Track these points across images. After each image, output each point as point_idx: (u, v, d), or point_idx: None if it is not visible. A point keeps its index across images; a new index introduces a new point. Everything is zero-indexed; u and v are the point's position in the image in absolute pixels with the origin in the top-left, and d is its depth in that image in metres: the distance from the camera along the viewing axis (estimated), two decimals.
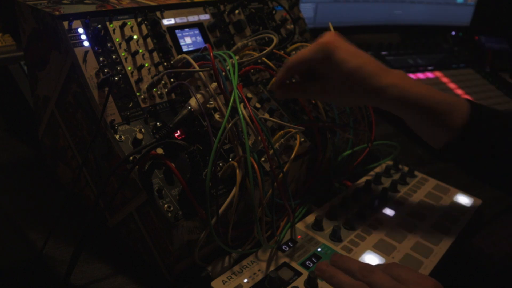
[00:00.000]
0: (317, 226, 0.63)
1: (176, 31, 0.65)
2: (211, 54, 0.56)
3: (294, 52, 0.75)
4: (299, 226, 0.63)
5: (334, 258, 0.53)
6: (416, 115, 0.58)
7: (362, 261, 0.58)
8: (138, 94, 0.58)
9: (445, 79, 1.24)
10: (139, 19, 0.61)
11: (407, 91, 0.56)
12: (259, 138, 0.55)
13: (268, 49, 0.64)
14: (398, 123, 1.04)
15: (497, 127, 0.57)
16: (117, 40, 0.58)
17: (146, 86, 0.59)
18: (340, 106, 0.68)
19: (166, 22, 0.65)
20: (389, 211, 0.69)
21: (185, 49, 0.65)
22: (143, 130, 0.55)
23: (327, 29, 0.74)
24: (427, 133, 0.60)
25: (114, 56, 0.57)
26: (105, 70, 0.56)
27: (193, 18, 0.68)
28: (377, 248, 0.60)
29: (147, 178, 0.51)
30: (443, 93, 0.58)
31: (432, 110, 0.56)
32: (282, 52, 0.72)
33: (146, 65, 0.60)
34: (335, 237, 0.61)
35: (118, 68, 0.57)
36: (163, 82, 0.60)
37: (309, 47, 0.60)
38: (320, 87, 0.61)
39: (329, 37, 0.59)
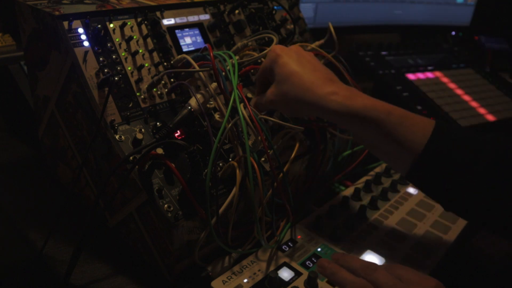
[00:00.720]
0: (317, 226, 0.63)
1: (176, 31, 0.65)
2: (211, 54, 0.56)
3: None
4: (299, 226, 0.63)
5: (336, 256, 0.52)
6: (364, 128, 0.52)
7: None
8: (138, 94, 0.58)
9: (445, 79, 1.24)
10: (139, 19, 0.61)
11: (350, 100, 0.52)
12: (259, 138, 0.55)
13: (268, 49, 0.64)
14: None
15: (462, 150, 0.50)
16: (117, 40, 0.58)
17: (146, 86, 0.59)
18: (291, 117, 0.64)
19: (166, 22, 0.65)
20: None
21: (185, 49, 0.65)
22: (143, 130, 0.55)
23: (327, 29, 0.74)
24: (385, 155, 0.55)
25: (114, 56, 0.57)
26: (105, 70, 0.56)
27: (193, 18, 0.68)
28: (377, 248, 0.60)
29: (147, 178, 0.51)
30: (400, 108, 0.53)
31: (381, 121, 0.51)
32: None
33: (146, 65, 0.60)
34: (335, 237, 0.61)
35: (118, 68, 0.57)
36: (163, 82, 0.60)
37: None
38: (271, 95, 0.58)
39: (282, 46, 0.59)
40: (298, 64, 0.56)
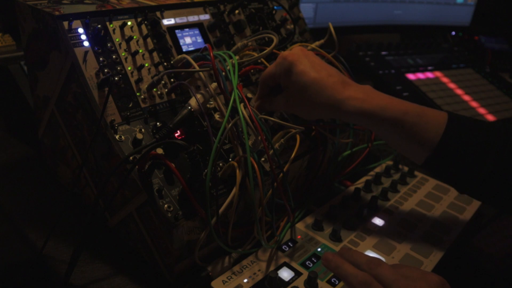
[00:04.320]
0: (317, 226, 0.63)
1: (176, 31, 0.65)
2: (211, 54, 0.56)
3: None
4: (299, 226, 0.63)
5: (342, 250, 0.53)
6: (382, 128, 0.56)
7: None
8: (138, 94, 0.58)
9: (445, 79, 1.24)
10: (139, 19, 0.61)
11: (367, 103, 0.55)
12: (259, 138, 0.55)
13: (268, 49, 0.64)
14: None
15: (476, 139, 0.54)
16: (117, 40, 0.58)
17: (146, 86, 0.59)
18: (307, 119, 0.66)
19: (166, 22, 0.65)
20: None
21: (185, 49, 0.65)
22: (143, 130, 0.55)
23: (327, 29, 0.74)
24: (404, 149, 0.58)
25: (114, 56, 0.57)
26: (105, 70, 0.56)
27: (193, 18, 0.68)
28: (377, 248, 0.60)
29: (147, 178, 0.51)
30: (415, 104, 0.56)
31: (398, 121, 0.54)
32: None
33: (146, 65, 0.60)
34: (335, 237, 0.61)
35: (118, 68, 0.57)
36: (163, 82, 0.60)
37: (274, 62, 0.61)
38: (283, 99, 0.61)
39: (292, 51, 0.60)
40: (315, 71, 0.57)
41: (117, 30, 0.59)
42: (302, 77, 0.57)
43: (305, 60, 0.58)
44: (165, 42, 0.63)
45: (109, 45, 0.57)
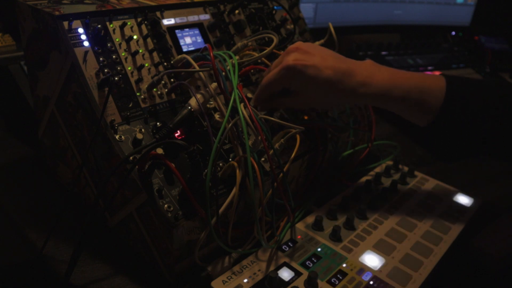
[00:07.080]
0: (317, 226, 0.63)
1: (176, 31, 0.65)
2: (211, 54, 0.56)
3: None
4: (299, 226, 0.63)
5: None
6: (390, 105, 0.62)
7: (362, 261, 0.58)
8: (138, 94, 0.58)
9: None
10: (139, 19, 0.61)
11: (375, 87, 0.61)
12: (259, 138, 0.55)
13: (268, 49, 0.64)
14: (398, 123, 1.04)
15: (474, 101, 0.60)
16: (117, 40, 0.58)
17: (146, 86, 0.59)
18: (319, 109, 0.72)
19: (166, 22, 0.65)
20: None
21: (185, 49, 0.65)
22: (143, 130, 0.55)
23: (327, 29, 0.74)
24: (409, 117, 0.64)
25: (114, 56, 0.57)
26: (105, 70, 0.56)
27: (193, 18, 0.68)
28: (377, 248, 0.60)
29: (147, 178, 0.51)
30: (415, 77, 0.62)
31: (403, 99, 0.61)
32: (282, 52, 0.72)
33: (146, 65, 0.60)
34: (335, 237, 0.61)
35: (118, 68, 0.57)
36: (163, 82, 0.60)
37: (277, 70, 0.62)
38: (294, 100, 0.64)
39: (294, 56, 0.61)
40: (322, 71, 0.60)
41: (117, 30, 0.59)
42: (314, 80, 0.60)
43: (310, 62, 0.60)
44: (165, 42, 0.63)
45: (109, 45, 0.57)
